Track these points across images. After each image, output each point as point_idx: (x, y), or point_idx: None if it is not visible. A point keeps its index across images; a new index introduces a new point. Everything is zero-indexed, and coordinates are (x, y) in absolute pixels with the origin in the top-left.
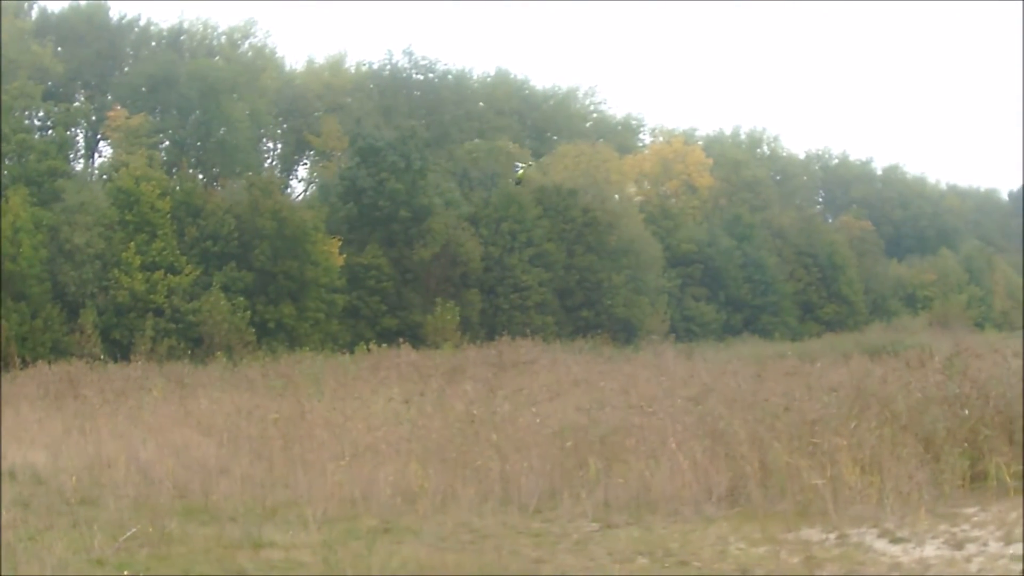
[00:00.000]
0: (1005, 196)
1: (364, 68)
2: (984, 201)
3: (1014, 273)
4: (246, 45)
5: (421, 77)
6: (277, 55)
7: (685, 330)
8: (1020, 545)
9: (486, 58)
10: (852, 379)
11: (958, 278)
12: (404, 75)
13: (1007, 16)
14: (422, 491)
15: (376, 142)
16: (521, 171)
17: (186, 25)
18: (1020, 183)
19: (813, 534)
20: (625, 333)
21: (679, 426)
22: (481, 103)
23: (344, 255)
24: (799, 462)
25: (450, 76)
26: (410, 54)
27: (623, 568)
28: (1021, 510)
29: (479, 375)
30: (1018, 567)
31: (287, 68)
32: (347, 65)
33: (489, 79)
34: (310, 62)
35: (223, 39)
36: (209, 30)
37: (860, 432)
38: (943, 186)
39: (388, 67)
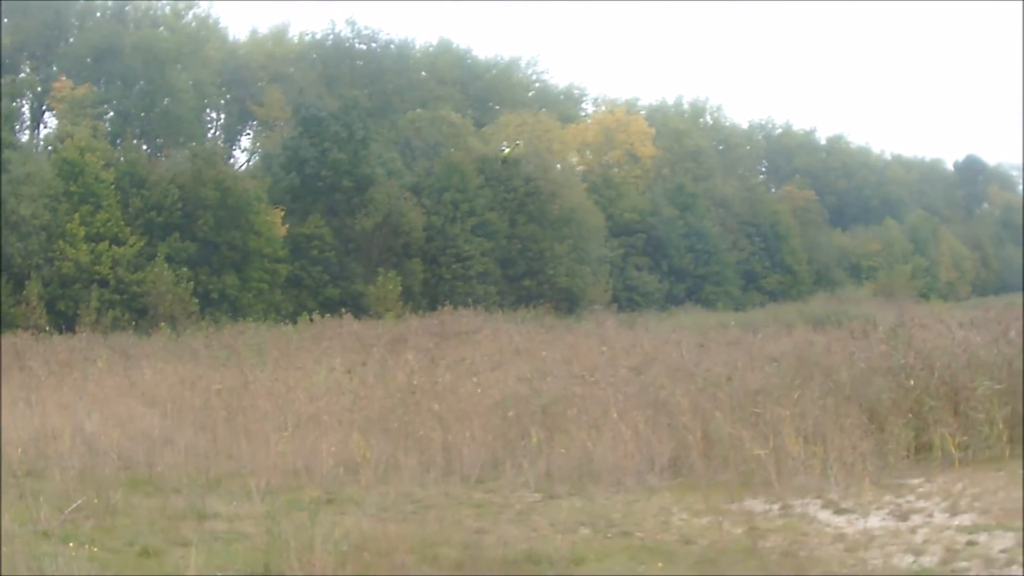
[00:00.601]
0: (950, 166)
1: (307, 38)
2: (929, 171)
3: (959, 243)
4: (190, 15)
5: (364, 47)
6: (221, 25)
7: (627, 300)
8: (966, 516)
9: (429, 28)
10: (795, 349)
11: (903, 248)
12: (347, 45)
13: None
14: (364, 461)
15: (319, 112)
16: (507, 151)
17: None
18: (965, 153)
19: (756, 505)
20: (567, 303)
21: (621, 396)
22: (423, 73)
23: (287, 225)
24: (741, 432)
25: (392, 46)
26: (353, 24)
27: (565, 538)
28: (966, 481)
29: (421, 345)
30: (964, 538)
31: (231, 38)
32: (290, 35)
33: (432, 49)
34: (253, 32)
35: (167, 10)
36: (153, 1)
37: (803, 402)
38: (888, 156)
39: (331, 37)
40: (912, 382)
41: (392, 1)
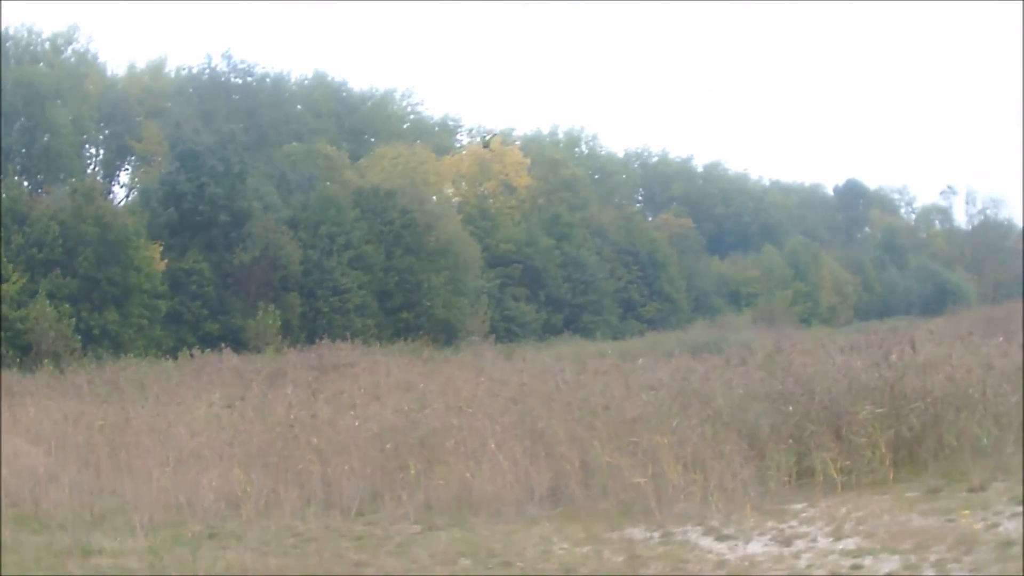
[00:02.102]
0: (830, 191)
1: (184, 73)
2: (809, 196)
3: (841, 268)
4: (69, 51)
5: (240, 81)
6: (99, 60)
7: (505, 330)
8: (851, 540)
9: (304, 61)
10: (673, 377)
11: (782, 274)
12: (223, 79)
13: (826, 12)
14: (245, 496)
15: (195, 147)
16: (490, 138)
17: (11, 31)
18: (845, 178)
19: (637, 533)
20: (445, 334)
21: (499, 427)
22: (299, 106)
23: (166, 260)
24: (620, 461)
25: (268, 80)
26: (229, 58)
27: (445, 569)
28: (850, 505)
29: (300, 379)
30: (849, 562)
31: (109, 73)
32: (167, 70)
33: (307, 82)
34: (131, 67)
35: (47, 45)
36: (33, 36)
37: (681, 430)
38: (766, 182)
39: (207, 71)
40: (791, 408)
41: (269, 34)
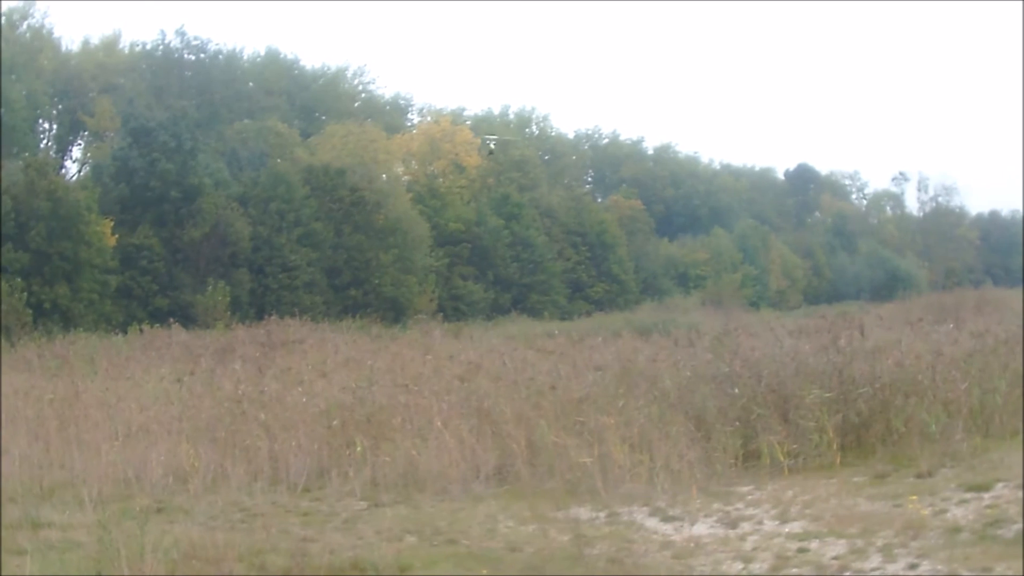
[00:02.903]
0: (781, 175)
1: (137, 49)
2: (759, 180)
3: (790, 252)
4: (24, 26)
5: (193, 57)
6: (54, 36)
7: (453, 309)
8: (797, 523)
9: (257, 38)
10: (619, 358)
11: (732, 257)
12: (176, 55)
13: None
14: (193, 470)
15: (148, 123)
16: (492, 144)
17: None
18: (797, 162)
19: (582, 512)
20: (393, 312)
21: (445, 405)
22: (251, 83)
23: (116, 235)
24: (566, 440)
25: (221, 56)
26: (183, 34)
27: (391, 546)
28: (797, 489)
29: (248, 355)
30: (795, 545)
31: (63, 49)
32: (121, 46)
33: (259, 59)
34: (85, 43)
35: (2, 20)
36: None
37: (628, 411)
38: (717, 165)
39: (161, 47)
40: (738, 390)
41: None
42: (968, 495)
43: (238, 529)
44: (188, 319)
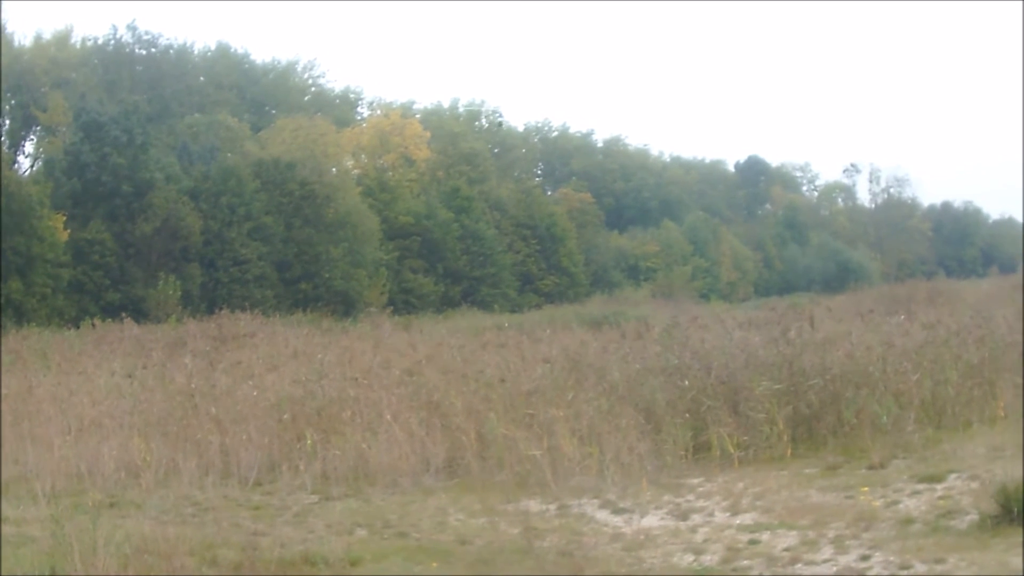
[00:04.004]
0: (731, 168)
1: (89, 44)
2: (710, 172)
3: (741, 244)
4: None
5: (144, 52)
6: (6, 31)
7: (404, 302)
8: (748, 515)
9: (208, 32)
10: (569, 350)
11: (682, 249)
12: (128, 50)
13: None
14: (145, 465)
15: (99, 117)
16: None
17: None
18: (747, 155)
19: (532, 505)
20: (344, 306)
21: (395, 398)
22: (202, 77)
23: (69, 230)
24: (516, 433)
25: (172, 51)
26: (134, 29)
27: (342, 540)
28: (747, 481)
29: (199, 349)
30: (746, 537)
31: (16, 44)
32: (73, 41)
33: (210, 53)
34: (38, 38)
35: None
36: None
37: (577, 403)
38: (667, 158)
39: (112, 42)
40: (688, 382)
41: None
42: (920, 486)
43: (189, 523)
44: (140, 313)
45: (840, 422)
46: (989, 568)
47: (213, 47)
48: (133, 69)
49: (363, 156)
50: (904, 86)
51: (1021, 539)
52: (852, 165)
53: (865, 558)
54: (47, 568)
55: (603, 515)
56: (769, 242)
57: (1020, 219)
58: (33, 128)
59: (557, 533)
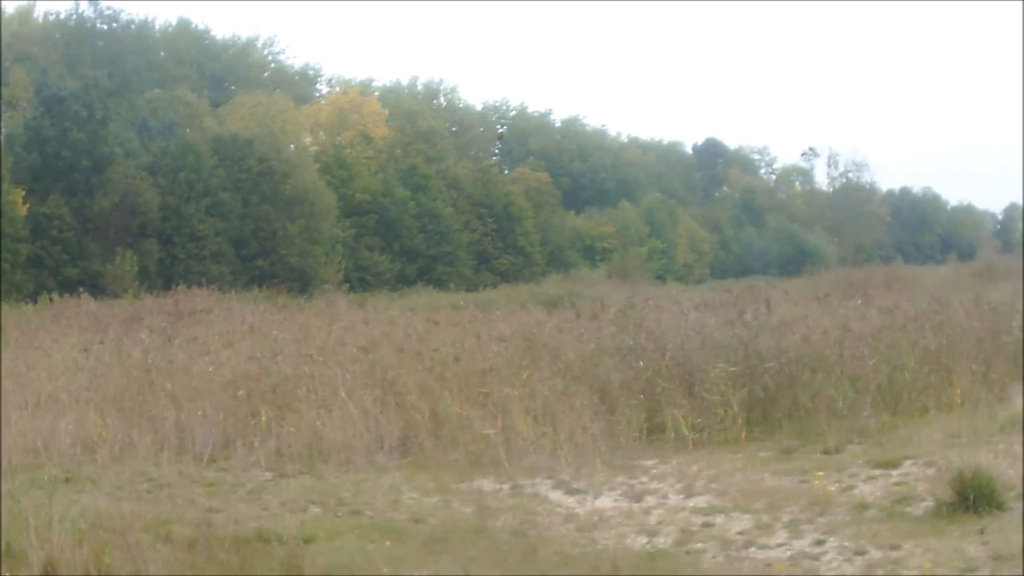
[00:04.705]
0: (689, 149)
1: (51, 18)
2: (667, 154)
3: (698, 226)
4: None
5: (105, 27)
6: None
7: (359, 280)
8: (702, 498)
9: (169, 8)
10: (523, 330)
11: (638, 230)
12: (89, 25)
13: None
14: (101, 440)
15: (60, 92)
16: (502, 131)
17: None
18: (705, 137)
19: (486, 484)
20: (300, 283)
21: (349, 375)
22: (162, 53)
23: (28, 205)
24: (470, 412)
25: (133, 26)
26: (96, 4)
27: (295, 517)
28: (702, 463)
29: (156, 324)
30: (700, 520)
31: None
32: (35, 15)
33: (171, 29)
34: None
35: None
36: None
37: (532, 383)
38: (624, 138)
39: (74, 17)
40: (643, 363)
41: None
42: (876, 472)
43: (144, 499)
44: (97, 289)
45: (796, 406)
46: (945, 555)
47: (174, 23)
48: (94, 44)
49: (321, 133)
50: (864, 71)
51: (976, 526)
52: (810, 149)
53: (819, 543)
54: (2, 543)
55: (557, 495)
56: (726, 224)
57: (980, 206)
58: None
59: (510, 513)
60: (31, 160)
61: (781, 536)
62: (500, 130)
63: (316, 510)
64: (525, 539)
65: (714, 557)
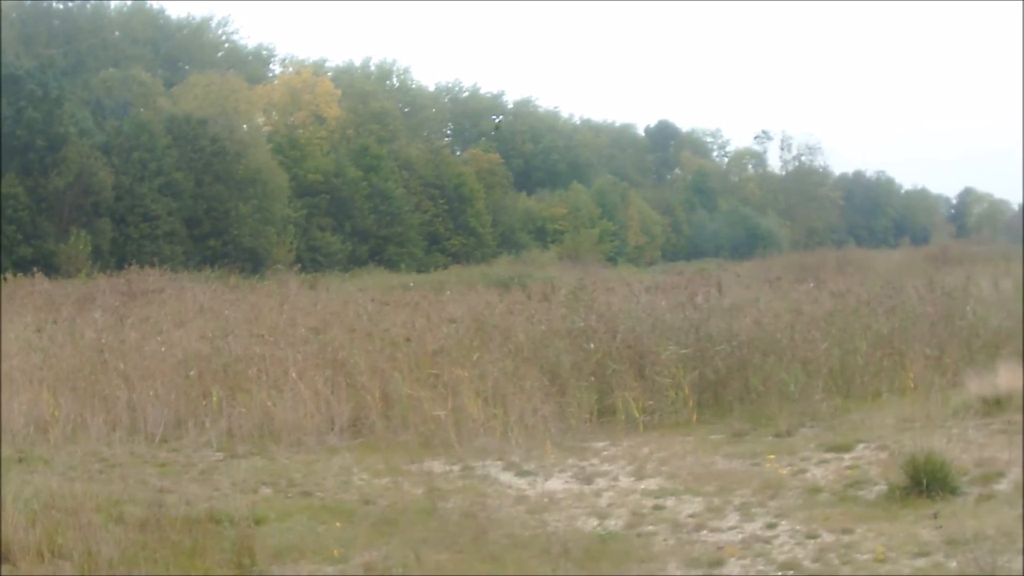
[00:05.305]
0: (641, 132)
1: None
2: (619, 136)
3: (650, 208)
4: None
5: (61, 6)
6: None
7: (311, 260)
8: (653, 480)
9: None
10: (474, 311)
11: (590, 212)
12: (45, 4)
13: None
14: (54, 420)
15: (16, 71)
16: (498, 121)
17: None
18: (657, 119)
19: (436, 465)
20: (252, 263)
21: (300, 356)
22: (117, 32)
23: None
24: (421, 393)
25: (88, 5)
26: None
27: (247, 498)
28: (653, 445)
29: (109, 304)
30: (651, 502)
31: None
32: None
33: (126, 8)
34: None
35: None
36: None
37: (482, 364)
38: (577, 120)
39: None
40: (593, 345)
41: None
42: (828, 455)
43: (97, 479)
44: (51, 268)
45: (747, 389)
46: (898, 539)
47: (129, 2)
48: (50, 24)
49: (274, 113)
50: (817, 56)
51: (930, 510)
52: (763, 132)
53: (771, 526)
54: None
55: (507, 477)
56: (678, 207)
57: (934, 191)
58: None
59: (461, 494)
60: None
61: (732, 519)
62: (496, 119)
63: (267, 491)
64: (475, 521)
65: (665, 540)
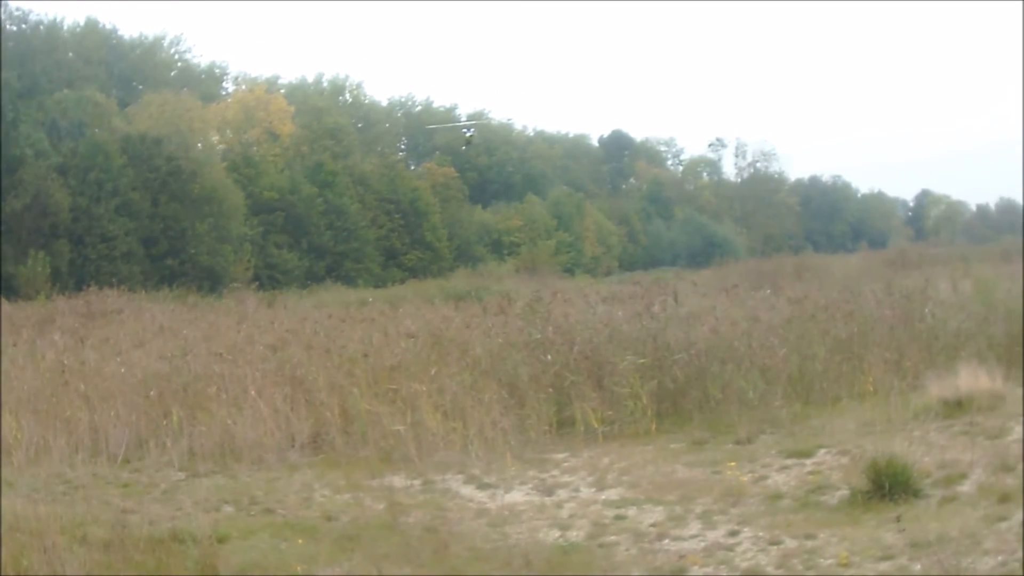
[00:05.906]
0: (595, 142)
1: None
2: (574, 147)
3: (605, 219)
4: None
5: (15, 28)
6: None
7: (268, 277)
8: (614, 491)
9: (77, 7)
10: (431, 325)
11: (546, 224)
12: None
13: None
14: (16, 443)
15: None
16: (470, 134)
17: None
18: (611, 129)
19: (397, 480)
20: (209, 281)
21: (259, 373)
22: (71, 53)
23: None
24: (380, 408)
25: (42, 27)
26: (5, 5)
27: (209, 517)
28: (613, 456)
29: (68, 326)
30: (612, 512)
31: None
32: None
33: (79, 29)
34: None
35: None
36: None
37: (440, 378)
38: (531, 132)
39: None
40: (551, 357)
41: None
42: (789, 462)
43: (60, 501)
44: (10, 291)
45: (706, 397)
46: (861, 543)
47: (82, 23)
48: (4, 45)
49: (228, 131)
50: (770, 63)
51: (892, 514)
52: (717, 139)
53: (734, 533)
54: None
55: (468, 490)
56: (634, 216)
57: (891, 194)
58: None
59: (422, 509)
60: None
61: (695, 527)
62: (468, 134)
63: (229, 509)
64: (437, 535)
65: (627, 550)
